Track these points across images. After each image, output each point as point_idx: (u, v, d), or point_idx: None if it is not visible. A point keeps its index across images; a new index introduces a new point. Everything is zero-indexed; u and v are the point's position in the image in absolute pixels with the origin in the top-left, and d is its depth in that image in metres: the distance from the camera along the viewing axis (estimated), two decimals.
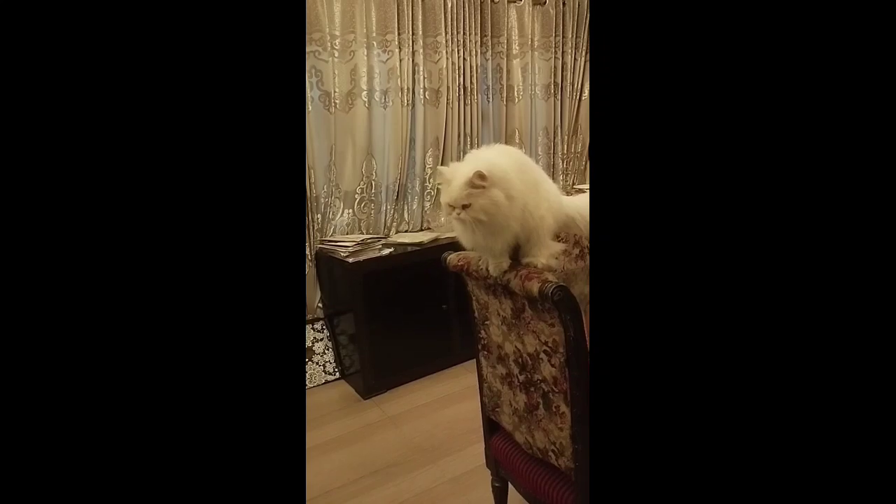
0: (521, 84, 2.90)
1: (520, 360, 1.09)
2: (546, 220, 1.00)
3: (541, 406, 1.06)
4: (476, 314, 1.22)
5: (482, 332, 1.21)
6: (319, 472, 1.79)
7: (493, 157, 0.98)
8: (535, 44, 2.91)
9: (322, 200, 2.44)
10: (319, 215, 2.44)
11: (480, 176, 0.87)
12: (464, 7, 2.59)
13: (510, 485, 1.32)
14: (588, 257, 1.21)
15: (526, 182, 0.96)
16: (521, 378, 1.10)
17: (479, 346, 1.24)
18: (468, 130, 2.74)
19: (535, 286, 0.93)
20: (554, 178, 2.80)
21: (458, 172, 0.90)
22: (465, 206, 0.89)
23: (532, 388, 1.08)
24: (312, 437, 2.01)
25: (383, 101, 2.49)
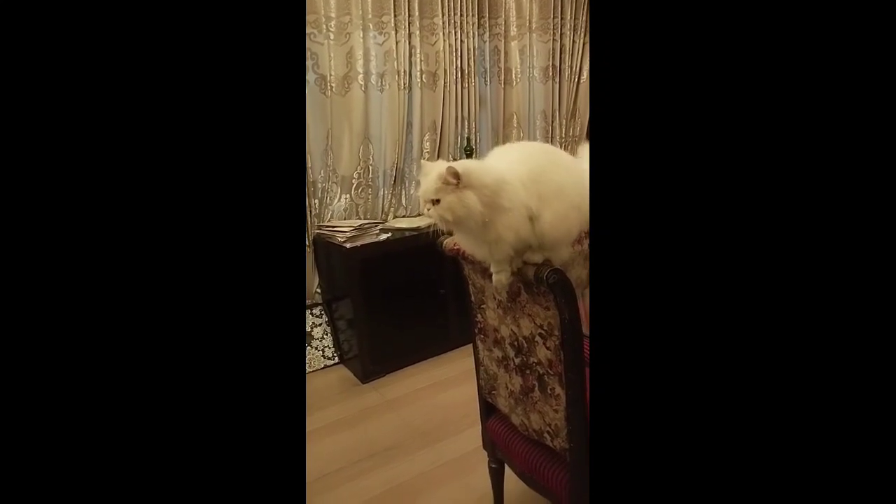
0: (518, 66, 2.87)
1: (515, 343, 1.09)
2: (572, 232, 0.95)
3: (536, 388, 1.07)
4: (472, 298, 1.22)
5: (478, 315, 1.22)
6: (319, 455, 1.81)
7: (497, 160, 0.95)
8: (533, 25, 2.88)
9: (319, 185, 2.43)
10: (317, 200, 2.43)
11: (453, 174, 0.85)
12: None
13: (507, 466, 1.34)
14: (584, 241, 1.21)
15: (542, 192, 0.91)
16: (517, 361, 1.11)
17: (476, 330, 1.25)
18: (466, 114, 2.72)
19: (530, 269, 0.93)
20: None
21: (436, 167, 0.89)
22: (435, 202, 0.87)
23: (527, 371, 1.08)
24: (311, 421, 2.03)
25: (380, 84, 2.46)
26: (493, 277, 0.99)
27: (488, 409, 1.33)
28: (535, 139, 3.06)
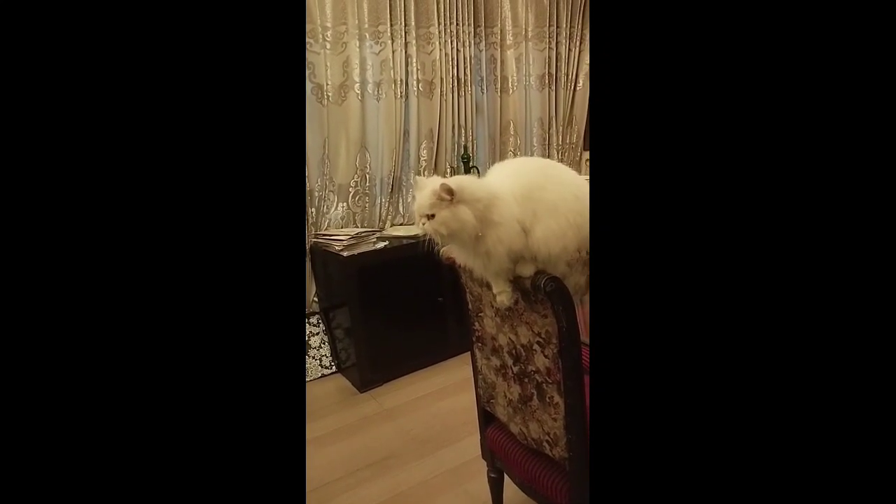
0: (515, 75, 2.89)
1: (513, 351, 1.09)
2: (568, 249, 0.94)
3: (535, 397, 1.06)
4: (470, 306, 1.22)
5: (476, 324, 1.21)
6: (317, 464, 1.80)
7: (493, 176, 0.96)
8: (529, 34, 2.90)
9: (316, 194, 2.43)
10: (314, 209, 2.43)
11: (447, 189, 0.87)
12: None
13: (506, 475, 1.33)
14: (582, 249, 1.21)
15: (536, 209, 0.91)
16: (515, 369, 1.10)
17: (474, 339, 1.25)
18: (462, 122, 2.73)
19: (527, 278, 0.93)
20: None
21: (430, 182, 0.90)
22: (430, 217, 0.89)
23: (526, 380, 1.08)
24: (310, 430, 2.01)
25: (376, 93, 2.47)
26: (496, 298, 1.00)
27: (487, 418, 1.32)
28: (531, 147, 3.07)
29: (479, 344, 1.23)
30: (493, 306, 1.11)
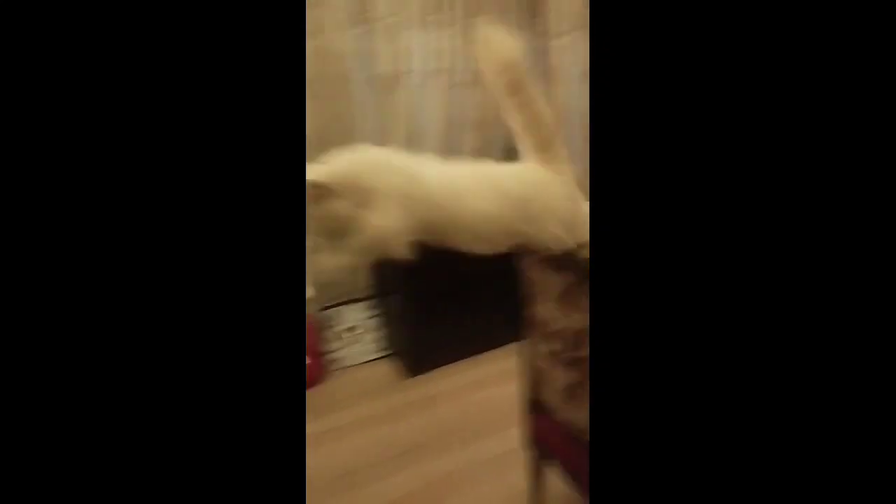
0: (564, 65, 2.84)
1: (567, 337, 1.08)
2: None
3: (587, 384, 1.06)
4: (524, 292, 1.22)
5: (529, 309, 1.21)
6: (357, 448, 1.85)
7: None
8: (578, 24, 2.84)
9: None
10: None
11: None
12: None
13: (548, 466, 1.33)
14: None
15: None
16: (568, 356, 1.10)
17: (526, 325, 1.25)
18: None
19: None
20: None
21: None
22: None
23: (578, 366, 1.07)
24: (353, 414, 2.07)
25: (428, 82, 2.49)
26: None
27: (533, 407, 1.32)
28: (574, 139, 3.01)
29: (531, 329, 1.23)
30: (547, 291, 1.10)
